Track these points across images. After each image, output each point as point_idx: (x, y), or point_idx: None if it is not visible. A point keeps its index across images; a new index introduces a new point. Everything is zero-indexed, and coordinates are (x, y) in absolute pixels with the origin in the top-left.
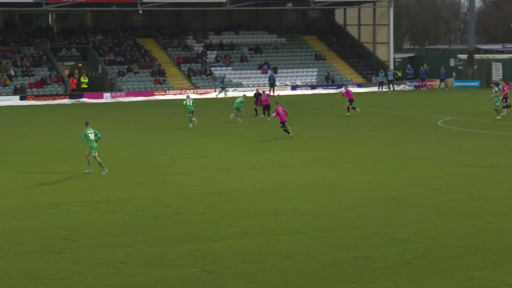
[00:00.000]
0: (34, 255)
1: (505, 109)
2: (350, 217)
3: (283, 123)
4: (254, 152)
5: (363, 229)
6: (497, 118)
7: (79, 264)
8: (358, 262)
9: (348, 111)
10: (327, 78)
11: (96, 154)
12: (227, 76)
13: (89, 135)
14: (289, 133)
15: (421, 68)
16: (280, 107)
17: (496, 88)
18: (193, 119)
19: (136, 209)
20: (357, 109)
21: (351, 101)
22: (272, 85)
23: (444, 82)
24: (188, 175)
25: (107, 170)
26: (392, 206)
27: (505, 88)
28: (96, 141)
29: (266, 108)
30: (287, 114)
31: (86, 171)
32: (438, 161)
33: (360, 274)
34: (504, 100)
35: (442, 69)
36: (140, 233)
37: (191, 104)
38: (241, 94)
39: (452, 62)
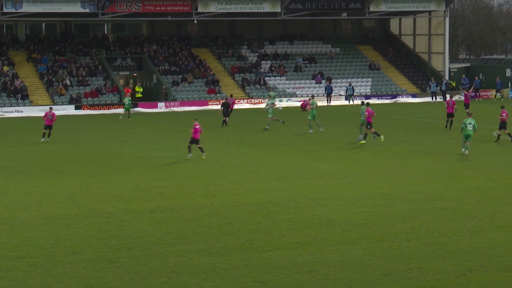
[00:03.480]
0: (87, 263)
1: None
2: (404, 228)
3: (49, 126)
4: (307, 162)
5: (417, 240)
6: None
7: (132, 273)
8: (412, 274)
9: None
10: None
11: None
12: (281, 86)
13: None
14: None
15: (476, 78)
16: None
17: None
18: (121, 117)
19: (189, 218)
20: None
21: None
22: (329, 95)
23: (500, 93)
24: (241, 184)
25: None
26: (446, 217)
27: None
28: None
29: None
30: (54, 120)
31: None
32: (495, 171)
33: (413, 286)
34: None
35: (498, 79)
36: (193, 242)
37: (127, 103)
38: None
39: (508, 72)
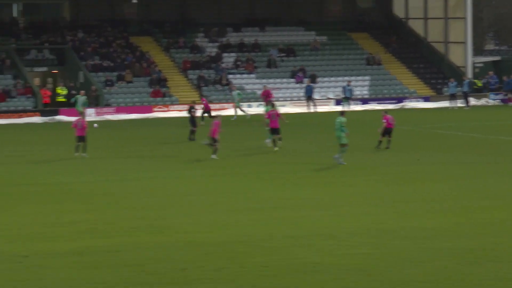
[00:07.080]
0: None
1: None
2: (415, 275)
3: None
4: (285, 188)
5: None
6: None
7: None
8: None
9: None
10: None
11: None
12: (250, 86)
13: None
14: None
15: (510, 77)
16: None
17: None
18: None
19: (128, 263)
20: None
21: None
22: (309, 98)
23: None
24: (196, 218)
25: None
26: (471, 261)
27: None
28: None
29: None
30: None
31: None
32: None
33: None
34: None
35: (505, 78)
36: None
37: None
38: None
39: None
